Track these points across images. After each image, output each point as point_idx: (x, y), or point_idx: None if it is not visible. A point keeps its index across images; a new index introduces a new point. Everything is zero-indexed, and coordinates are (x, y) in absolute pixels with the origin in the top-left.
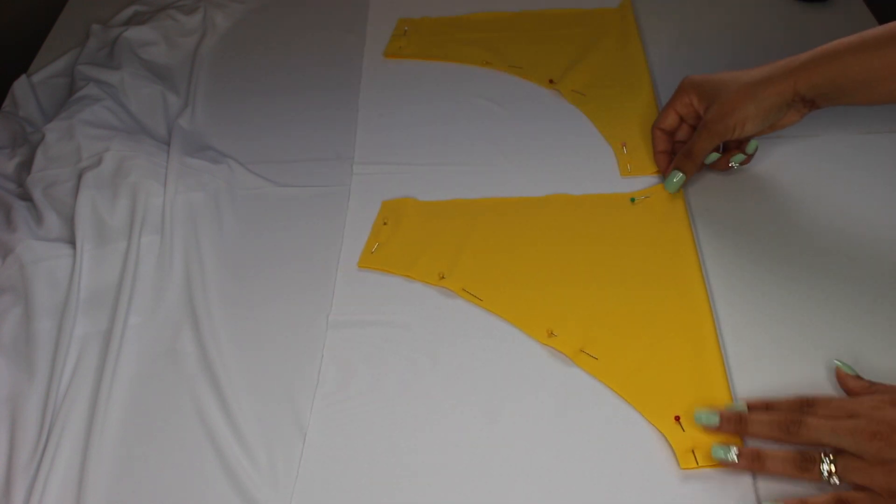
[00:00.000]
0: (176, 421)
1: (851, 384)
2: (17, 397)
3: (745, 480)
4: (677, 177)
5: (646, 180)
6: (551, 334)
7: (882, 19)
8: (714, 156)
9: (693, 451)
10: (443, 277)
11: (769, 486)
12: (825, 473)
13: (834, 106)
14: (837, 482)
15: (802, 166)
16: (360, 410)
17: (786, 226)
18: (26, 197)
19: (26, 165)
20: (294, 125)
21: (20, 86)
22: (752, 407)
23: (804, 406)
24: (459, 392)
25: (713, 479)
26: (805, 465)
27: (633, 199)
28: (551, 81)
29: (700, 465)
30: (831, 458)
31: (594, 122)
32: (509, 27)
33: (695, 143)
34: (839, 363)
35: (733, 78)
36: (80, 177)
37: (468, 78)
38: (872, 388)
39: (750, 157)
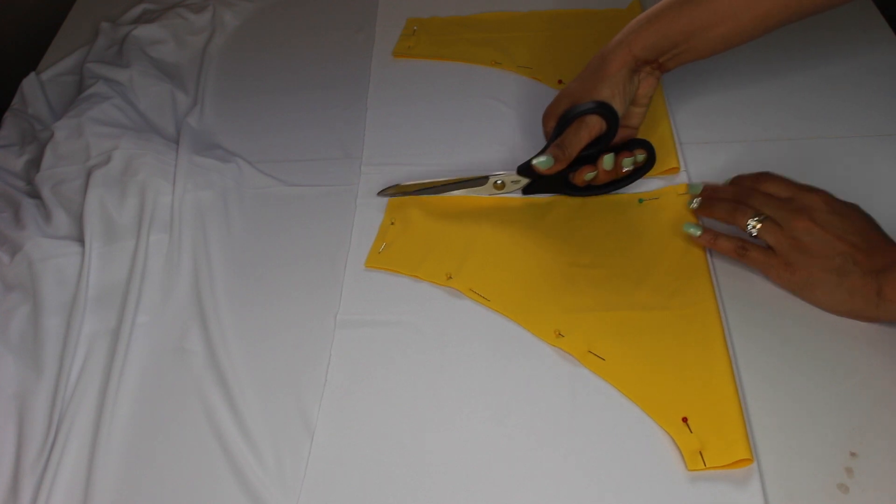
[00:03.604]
0: (183, 419)
1: None
2: (25, 395)
3: (754, 482)
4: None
5: (654, 181)
6: (559, 335)
7: (887, 14)
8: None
9: (701, 453)
10: (450, 278)
11: (776, 488)
12: (749, 227)
13: (682, 63)
14: (755, 234)
15: (804, 168)
16: (368, 410)
17: None
18: (35, 195)
19: (35, 163)
20: (303, 124)
21: (29, 83)
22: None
23: (760, 178)
24: (467, 392)
25: (721, 481)
26: (738, 215)
27: (641, 200)
28: (560, 82)
29: (708, 466)
30: (760, 219)
31: None
32: (519, 27)
33: (566, 136)
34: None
35: (579, 78)
36: (88, 175)
37: (477, 78)
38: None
39: (619, 162)
